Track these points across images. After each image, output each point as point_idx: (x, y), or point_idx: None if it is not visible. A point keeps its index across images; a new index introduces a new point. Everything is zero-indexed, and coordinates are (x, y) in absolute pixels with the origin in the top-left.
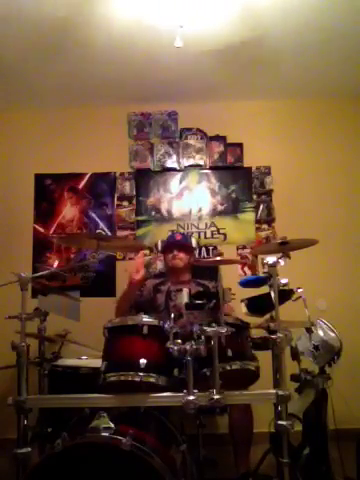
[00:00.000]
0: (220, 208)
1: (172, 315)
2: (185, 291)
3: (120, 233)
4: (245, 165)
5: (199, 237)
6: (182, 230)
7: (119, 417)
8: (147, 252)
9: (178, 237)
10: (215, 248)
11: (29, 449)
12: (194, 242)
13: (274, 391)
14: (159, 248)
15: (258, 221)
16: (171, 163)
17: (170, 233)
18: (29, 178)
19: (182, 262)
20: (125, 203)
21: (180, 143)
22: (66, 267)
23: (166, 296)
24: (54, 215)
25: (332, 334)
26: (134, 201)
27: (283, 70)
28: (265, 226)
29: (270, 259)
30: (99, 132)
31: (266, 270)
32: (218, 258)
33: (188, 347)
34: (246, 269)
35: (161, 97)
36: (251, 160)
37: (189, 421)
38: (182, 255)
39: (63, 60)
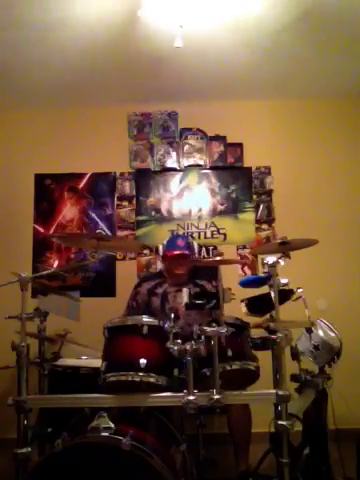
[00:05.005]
0: (220, 208)
1: (172, 315)
2: (185, 291)
3: (120, 233)
4: (245, 165)
5: (199, 237)
6: (182, 230)
7: (119, 417)
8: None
9: (181, 245)
10: (215, 248)
11: (29, 449)
12: (196, 246)
13: (274, 391)
14: (160, 252)
15: (258, 221)
16: (171, 163)
17: (171, 236)
18: (29, 178)
19: (185, 269)
20: (125, 203)
21: (180, 143)
22: (66, 267)
23: (162, 298)
24: (54, 215)
25: (332, 334)
26: (134, 201)
27: (283, 70)
28: (265, 226)
29: (270, 259)
30: (99, 132)
31: (266, 270)
32: (218, 258)
33: (188, 347)
34: (246, 269)
35: (161, 97)
36: (251, 160)
37: (189, 421)
38: (185, 263)
39: (63, 60)
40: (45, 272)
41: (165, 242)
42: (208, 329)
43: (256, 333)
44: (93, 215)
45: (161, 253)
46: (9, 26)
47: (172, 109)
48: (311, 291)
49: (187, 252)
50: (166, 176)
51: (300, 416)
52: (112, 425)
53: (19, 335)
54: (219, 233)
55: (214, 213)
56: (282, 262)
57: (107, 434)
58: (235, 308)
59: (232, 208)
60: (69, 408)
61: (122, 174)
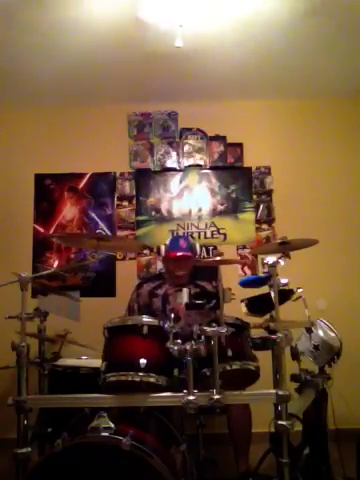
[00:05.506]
0: (220, 208)
1: (172, 316)
2: (185, 291)
3: (120, 233)
4: (245, 165)
5: (199, 237)
6: (182, 230)
7: (119, 417)
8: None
9: (184, 246)
10: (215, 248)
11: (29, 449)
12: (198, 247)
13: (274, 391)
14: (162, 253)
15: (258, 221)
16: (171, 163)
17: (173, 237)
18: (29, 178)
19: (186, 270)
20: (125, 203)
21: (180, 143)
22: (66, 267)
23: (163, 299)
24: (54, 215)
25: (332, 334)
26: (134, 201)
27: (283, 70)
28: (265, 226)
29: (270, 259)
30: (99, 132)
31: (266, 270)
32: (218, 258)
33: (188, 347)
34: (246, 269)
35: (161, 97)
36: (251, 160)
37: (189, 421)
38: (187, 264)
39: (63, 60)
40: (45, 272)
41: (167, 242)
42: (208, 329)
43: (256, 333)
44: (93, 215)
45: (163, 254)
46: (10, 27)
47: (172, 109)
48: (311, 291)
49: (190, 254)
50: (166, 176)
51: (300, 416)
52: (112, 425)
53: (19, 335)
54: (219, 233)
55: (214, 213)
56: (282, 262)
57: (107, 434)
58: (235, 308)
59: (232, 208)
60: (69, 408)
61: (122, 174)
